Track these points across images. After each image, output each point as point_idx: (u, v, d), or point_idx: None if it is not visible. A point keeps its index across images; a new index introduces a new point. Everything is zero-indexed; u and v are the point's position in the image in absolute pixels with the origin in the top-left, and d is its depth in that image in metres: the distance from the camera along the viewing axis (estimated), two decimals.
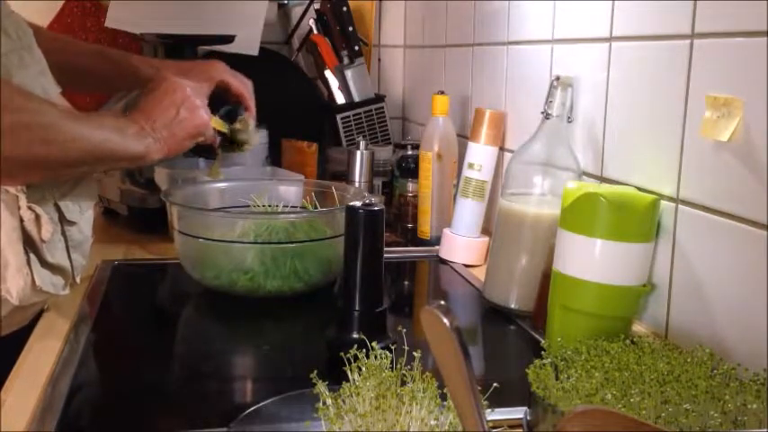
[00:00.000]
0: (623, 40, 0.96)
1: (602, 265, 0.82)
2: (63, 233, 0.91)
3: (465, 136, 1.34)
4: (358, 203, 0.82)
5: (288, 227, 1.04)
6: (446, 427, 0.57)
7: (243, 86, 1.21)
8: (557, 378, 0.64)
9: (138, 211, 1.37)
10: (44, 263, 0.88)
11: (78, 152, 0.86)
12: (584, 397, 0.61)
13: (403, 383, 0.61)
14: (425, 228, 1.34)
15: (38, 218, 0.86)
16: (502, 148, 1.27)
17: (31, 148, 0.80)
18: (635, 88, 0.93)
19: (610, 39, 0.98)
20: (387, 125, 1.79)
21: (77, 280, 0.95)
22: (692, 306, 0.84)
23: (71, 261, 0.93)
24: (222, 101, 1.17)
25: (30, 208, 0.85)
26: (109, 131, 0.89)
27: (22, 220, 0.85)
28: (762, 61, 0.72)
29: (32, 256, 0.87)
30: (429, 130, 1.32)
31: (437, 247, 1.28)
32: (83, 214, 0.95)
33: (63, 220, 0.91)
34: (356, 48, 1.75)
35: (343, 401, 0.59)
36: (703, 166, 0.81)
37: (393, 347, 0.78)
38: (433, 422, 0.57)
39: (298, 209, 1.19)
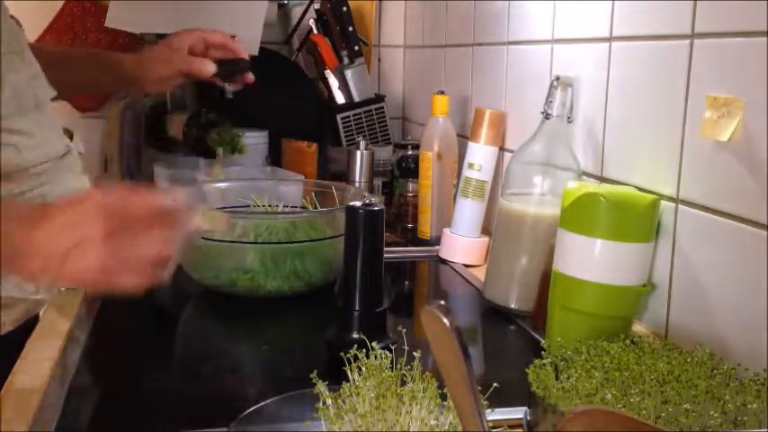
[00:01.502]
0: (623, 40, 0.96)
1: (602, 265, 0.82)
2: None
3: (465, 136, 1.34)
4: (358, 203, 0.82)
5: (288, 227, 1.04)
6: (446, 427, 0.57)
7: (220, 36, 1.21)
8: (557, 378, 0.64)
9: None
10: None
11: None
12: (584, 397, 0.61)
13: (403, 383, 0.61)
14: (425, 228, 1.34)
15: None
16: (502, 148, 1.27)
17: None
18: (635, 88, 0.93)
19: (610, 39, 0.98)
20: (387, 125, 1.79)
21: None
22: (692, 306, 0.84)
23: None
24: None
25: None
26: None
27: None
28: (762, 61, 0.72)
29: None
30: (429, 130, 1.32)
31: (437, 247, 1.27)
32: None
33: None
34: (356, 48, 1.75)
35: (343, 401, 0.59)
36: (703, 166, 0.81)
37: (393, 347, 0.78)
38: (433, 422, 0.57)
39: (298, 209, 1.19)
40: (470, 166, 1.22)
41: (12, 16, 0.92)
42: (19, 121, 0.87)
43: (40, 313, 0.97)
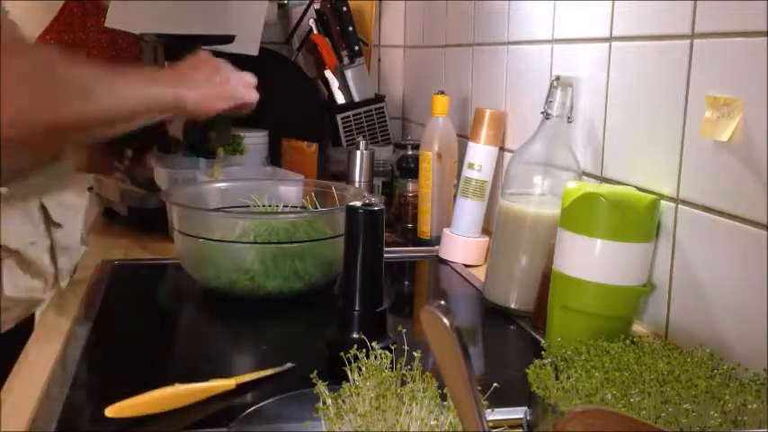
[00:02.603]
0: (623, 40, 0.95)
1: (602, 265, 0.82)
2: (49, 235, 0.90)
3: (465, 136, 1.34)
4: (358, 203, 0.82)
5: (288, 227, 1.04)
6: (446, 427, 0.57)
7: None
8: (557, 378, 0.64)
9: (138, 211, 1.37)
10: (23, 266, 0.87)
11: (112, 110, 0.84)
12: (585, 397, 0.61)
13: (403, 383, 0.61)
14: (425, 228, 1.34)
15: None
16: (502, 148, 1.27)
17: (72, 110, 0.79)
18: (635, 88, 0.93)
19: (610, 39, 0.98)
20: (387, 125, 1.79)
21: (62, 284, 0.94)
22: (692, 306, 0.84)
23: (55, 265, 0.91)
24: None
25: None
26: (140, 82, 0.90)
27: None
28: (762, 61, 0.72)
29: (9, 261, 0.86)
30: (429, 130, 1.32)
31: (437, 247, 1.27)
32: (71, 218, 0.94)
33: (49, 222, 0.90)
34: (356, 48, 1.75)
35: (343, 401, 0.59)
36: (703, 166, 0.81)
37: (393, 347, 0.78)
38: (433, 422, 0.57)
39: (298, 209, 1.19)
40: (470, 166, 1.22)
41: (10, 20, 0.92)
42: None
43: (36, 313, 0.97)
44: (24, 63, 0.75)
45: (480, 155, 1.22)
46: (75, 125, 0.81)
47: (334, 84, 1.75)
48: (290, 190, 1.23)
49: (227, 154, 1.30)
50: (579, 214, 0.83)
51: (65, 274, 0.94)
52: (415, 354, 0.63)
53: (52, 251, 0.91)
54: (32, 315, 0.97)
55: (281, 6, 1.85)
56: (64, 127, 0.79)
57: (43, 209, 0.89)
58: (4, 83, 0.69)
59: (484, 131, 1.22)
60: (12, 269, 0.87)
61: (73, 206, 0.96)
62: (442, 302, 0.45)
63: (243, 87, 1.03)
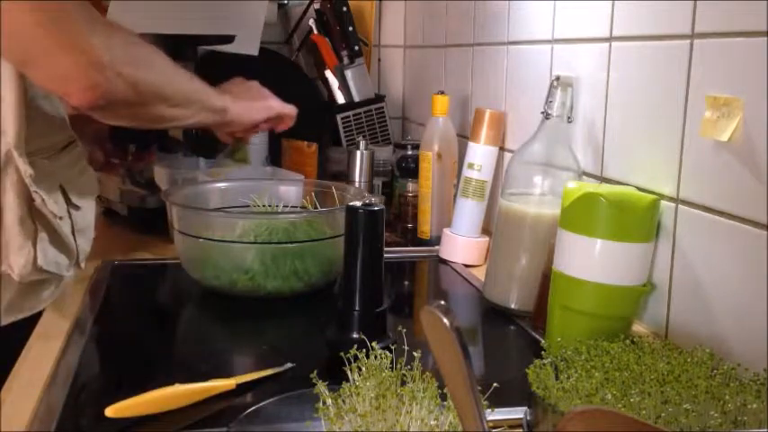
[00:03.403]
0: (623, 40, 0.96)
1: (602, 265, 0.82)
2: (69, 215, 0.94)
3: (465, 136, 1.34)
4: (358, 203, 0.82)
5: (288, 227, 1.04)
6: (446, 427, 0.57)
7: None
8: (557, 378, 0.64)
9: (138, 211, 1.37)
10: (54, 241, 0.90)
11: (179, 93, 0.96)
12: (585, 397, 0.61)
13: (403, 383, 0.61)
14: (425, 228, 1.34)
15: (44, 201, 0.88)
16: (502, 148, 1.27)
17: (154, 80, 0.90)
18: (635, 88, 0.93)
19: (610, 39, 0.98)
20: (387, 125, 1.79)
21: (82, 265, 0.96)
22: (692, 306, 0.84)
23: (76, 244, 0.94)
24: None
25: (36, 192, 0.87)
26: (199, 83, 1.01)
27: (33, 201, 0.87)
28: (762, 61, 0.72)
29: (43, 234, 0.89)
30: (429, 130, 1.32)
31: (437, 247, 1.27)
32: (86, 202, 0.98)
33: (68, 203, 0.94)
34: (356, 48, 1.75)
35: (343, 401, 0.59)
36: (703, 166, 0.81)
37: (393, 347, 0.78)
38: (433, 422, 0.57)
39: (298, 209, 1.19)
40: (470, 166, 1.22)
41: None
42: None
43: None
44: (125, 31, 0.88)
45: (480, 155, 1.22)
46: (150, 91, 0.90)
47: (334, 84, 1.75)
48: (290, 190, 1.23)
49: (236, 160, 1.31)
50: (579, 214, 0.83)
51: (83, 256, 0.97)
52: (415, 354, 0.63)
53: (73, 231, 0.94)
54: (33, 315, 0.97)
55: (281, 6, 1.85)
56: (144, 90, 0.88)
57: (62, 189, 0.93)
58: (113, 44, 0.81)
59: (484, 131, 1.22)
60: (44, 242, 0.90)
61: (87, 191, 0.99)
62: (442, 302, 0.45)
63: (279, 101, 1.14)
